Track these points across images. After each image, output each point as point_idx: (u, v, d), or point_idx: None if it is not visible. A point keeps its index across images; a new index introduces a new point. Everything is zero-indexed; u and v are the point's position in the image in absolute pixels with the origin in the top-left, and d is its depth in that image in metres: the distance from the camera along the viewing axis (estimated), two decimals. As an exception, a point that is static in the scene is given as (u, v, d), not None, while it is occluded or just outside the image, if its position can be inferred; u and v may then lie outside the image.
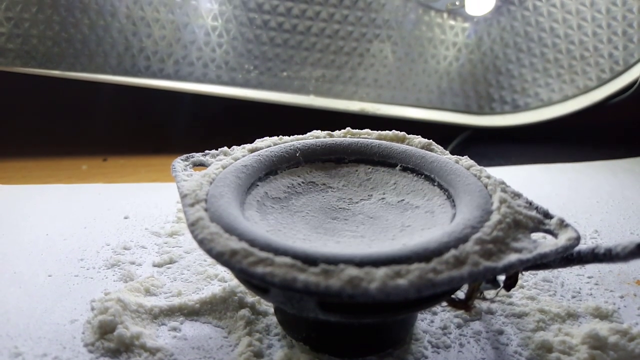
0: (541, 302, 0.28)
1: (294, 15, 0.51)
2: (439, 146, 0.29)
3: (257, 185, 0.26)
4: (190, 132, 0.60)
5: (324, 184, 0.28)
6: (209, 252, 0.21)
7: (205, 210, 0.23)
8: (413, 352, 0.24)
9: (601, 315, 0.27)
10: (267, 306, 0.27)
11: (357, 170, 0.29)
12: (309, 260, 0.19)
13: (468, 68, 0.55)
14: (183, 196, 0.24)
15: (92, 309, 0.26)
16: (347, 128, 0.31)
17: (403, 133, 0.30)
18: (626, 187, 0.44)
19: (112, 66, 0.49)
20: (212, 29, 0.51)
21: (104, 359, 0.23)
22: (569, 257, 0.23)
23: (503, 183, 0.25)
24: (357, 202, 0.27)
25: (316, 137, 0.30)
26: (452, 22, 0.54)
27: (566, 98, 0.54)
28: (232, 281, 0.29)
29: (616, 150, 0.52)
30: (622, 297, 0.29)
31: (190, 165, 0.28)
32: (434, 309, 0.27)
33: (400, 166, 0.28)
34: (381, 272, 0.19)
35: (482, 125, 0.56)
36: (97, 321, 0.25)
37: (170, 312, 0.27)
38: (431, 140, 0.30)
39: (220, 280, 0.30)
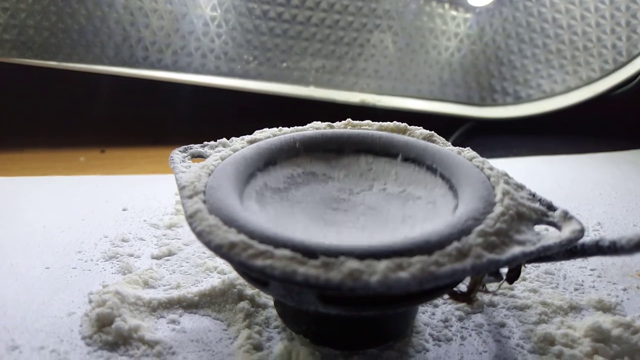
0: (543, 295, 0.28)
1: (293, 5, 0.51)
2: (441, 137, 0.29)
3: (257, 176, 0.26)
4: (188, 123, 0.59)
5: (325, 175, 0.28)
6: (208, 244, 0.20)
7: (204, 202, 0.22)
8: (414, 345, 0.24)
9: (604, 307, 0.27)
10: (266, 299, 0.27)
11: (358, 161, 0.28)
12: (309, 252, 0.19)
13: (470, 59, 0.55)
14: (181, 188, 0.23)
15: (90, 301, 0.26)
16: (348, 119, 0.31)
17: (404, 124, 0.30)
18: (629, 179, 0.43)
19: (109, 57, 0.49)
20: (210, 19, 0.50)
21: (102, 351, 0.23)
22: (572, 249, 0.22)
23: (506, 175, 0.25)
24: (358, 193, 0.27)
25: (316, 128, 0.30)
26: (453, 13, 0.54)
27: (569, 89, 0.54)
28: (231, 273, 0.29)
29: (619, 142, 0.52)
30: (625, 289, 0.28)
31: (189, 157, 0.28)
32: (435, 301, 0.27)
33: (402, 156, 0.28)
34: (382, 264, 0.19)
35: (484, 117, 0.55)
36: (94, 314, 0.24)
37: (169, 305, 0.26)
38: (433, 132, 0.29)
39: (220, 273, 0.29)
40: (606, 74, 0.52)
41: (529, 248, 0.20)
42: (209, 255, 0.31)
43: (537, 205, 0.23)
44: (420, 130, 0.29)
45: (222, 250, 0.20)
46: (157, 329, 0.25)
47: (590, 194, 0.40)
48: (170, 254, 0.31)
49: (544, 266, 0.30)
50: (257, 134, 0.29)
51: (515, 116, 0.55)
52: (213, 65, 0.51)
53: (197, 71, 0.51)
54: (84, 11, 0.48)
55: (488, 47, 0.55)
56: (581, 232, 0.21)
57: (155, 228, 0.34)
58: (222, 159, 0.26)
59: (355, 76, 0.54)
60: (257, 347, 0.24)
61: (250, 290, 0.27)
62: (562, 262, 0.30)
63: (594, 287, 0.29)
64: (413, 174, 0.27)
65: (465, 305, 0.27)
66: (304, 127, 0.30)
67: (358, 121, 0.31)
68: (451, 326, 0.26)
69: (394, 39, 0.53)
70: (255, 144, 0.27)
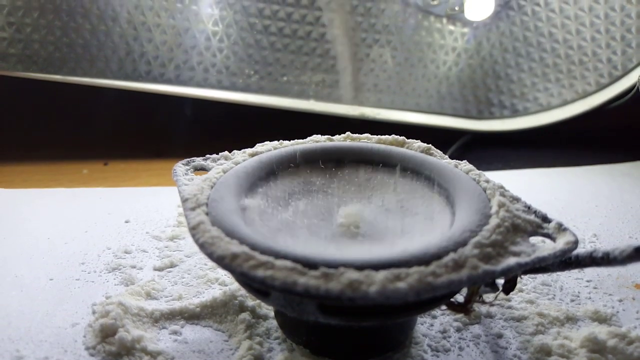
0: (540, 306, 0.28)
1: (294, 20, 0.52)
2: (438, 150, 0.30)
3: (258, 188, 0.26)
4: (191, 136, 0.60)
5: (324, 186, 0.28)
6: (210, 255, 0.21)
7: (206, 214, 0.23)
8: (412, 356, 0.24)
9: (600, 318, 0.27)
10: (267, 310, 0.27)
11: (356, 173, 0.29)
12: (309, 263, 0.20)
13: (467, 73, 0.56)
14: (184, 200, 0.24)
15: (93, 312, 0.27)
16: (347, 133, 0.31)
17: (402, 137, 0.30)
18: (625, 191, 0.44)
19: (113, 71, 0.50)
20: (212, 34, 0.51)
21: (105, 362, 0.23)
22: (567, 260, 0.23)
23: (502, 187, 0.25)
24: (356, 204, 0.27)
25: (316, 141, 0.30)
26: (451, 27, 0.55)
27: (565, 103, 0.54)
28: (233, 285, 0.29)
29: (615, 155, 0.52)
30: (620, 300, 0.29)
31: (192, 170, 0.28)
32: (433, 312, 0.27)
33: (400, 167, 0.28)
34: (381, 275, 0.19)
35: (482, 130, 0.56)
36: (98, 325, 0.25)
37: (171, 316, 0.27)
38: (430, 145, 0.30)
39: (221, 284, 0.30)
40: (602, 87, 0.53)
41: (524, 259, 0.21)
42: (210, 266, 0.31)
43: (532, 217, 0.23)
44: (418, 144, 0.30)
45: (224, 262, 0.20)
46: (160, 339, 0.25)
47: (587, 206, 0.41)
48: (172, 265, 0.32)
49: (541, 277, 0.30)
50: (259, 147, 0.29)
51: (512, 129, 0.55)
52: (215, 79, 0.52)
53: (199, 85, 0.52)
54: (88, 26, 0.48)
55: (485, 61, 0.56)
56: (575, 243, 0.22)
57: (158, 240, 0.35)
58: (224, 171, 0.26)
59: (355, 90, 0.54)
60: (258, 358, 0.24)
61: (251, 301, 0.28)
62: (558, 273, 0.31)
63: (590, 298, 0.29)
64: (411, 187, 0.27)
65: (462, 316, 0.27)
66: (304, 140, 0.31)
67: (357, 134, 0.31)
68: (449, 337, 0.26)
69: (393, 53, 0.54)
70: (256, 157, 0.28)
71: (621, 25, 0.51)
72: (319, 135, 0.31)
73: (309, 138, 0.31)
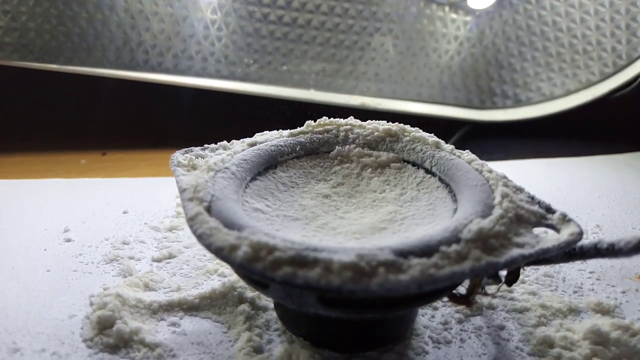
0: (543, 298, 0.28)
1: (294, 8, 0.51)
2: (441, 140, 0.29)
3: (257, 179, 0.26)
4: (189, 126, 0.59)
5: (323, 176, 0.28)
6: (208, 247, 0.20)
7: (205, 204, 0.22)
8: (414, 348, 0.24)
9: (603, 310, 0.27)
10: (267, 301, 0.27)
11: (357, 163, 0.28)
12: (309, 255, 0.19)
13: (470, 62, 0.55)
14: (182, 190, 0.24)
15: (91, 304, 0.26)
16: (324, 118, 0.30)
17: (395, 130, 0.29)
18: (628, 182, 0.44)
19: (110, 60, 0.49)
20: (211, 23, 0.50)
21: (103, 354, 0.23)
22: (571, 252, 0.23)
23: (505, 177, 0.25)
24: (356, 195, 0.27)
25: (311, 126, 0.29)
26: (453, 16, 0.54)
27: (568, 92, 0.54)
28: (232, 276, 0.29)
29: (618, 145, 0.52)
30: (624, 292, 0.29)
31: (190, 160, 0.28)
32: (434, 304, 0.27)
33: (402, 159, 0.28)
34: (382, 267, 0.19)
35: (484, 120, 0.55)
36: (95, 316, 0.24)
37: (170, 308, 0.26)
38: (432, 134, 0.29)
39: (220, 275, 0.29)
40: (606, 77, 0.52)
41: (527, 251, 0.20)
42: (209, 257, 0.31)
43: (535, 207, 0.23)
44: (420, 133, 0.29)
45: (222, 253, 0.20)
46: (158, 331, 0.25)
47: (589, 197, 0.40)
48: (171, 256, 0.31)
49: (543, 269, 0.30)
50: (257, 136, 0.29)
51: (515, 119, 0.55)
52: (214, 69, 0.51)
53: (197, 74, 0.51)
54: (84, 14, 0.48)
55: (488, 50, 0.55)
56: (580, 234, 0.21)
57: (156, 231, 0.34)
58: (223, 161, 0.26)
59: (356, 79, 0.54)
60: (258, 350, 0.24)
61: (250, 293, 0.27)
62: (561, 264, 0.30)
63: (593, 289, 0.29)
64: (412, 178, 0.27)
65: (464, 308, 0.27)
66: (302, 128, 0.30)
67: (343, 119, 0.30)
68: (451, 329, 0.26)
69: (395, 42, 0.53)
70: (255, 147, 0.27)
71: (626, 14, 0.51)
72: (312, 121, 0.30)
73: (304, 125, 0.30)
